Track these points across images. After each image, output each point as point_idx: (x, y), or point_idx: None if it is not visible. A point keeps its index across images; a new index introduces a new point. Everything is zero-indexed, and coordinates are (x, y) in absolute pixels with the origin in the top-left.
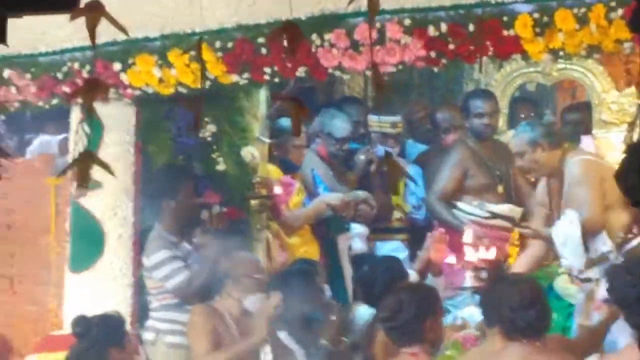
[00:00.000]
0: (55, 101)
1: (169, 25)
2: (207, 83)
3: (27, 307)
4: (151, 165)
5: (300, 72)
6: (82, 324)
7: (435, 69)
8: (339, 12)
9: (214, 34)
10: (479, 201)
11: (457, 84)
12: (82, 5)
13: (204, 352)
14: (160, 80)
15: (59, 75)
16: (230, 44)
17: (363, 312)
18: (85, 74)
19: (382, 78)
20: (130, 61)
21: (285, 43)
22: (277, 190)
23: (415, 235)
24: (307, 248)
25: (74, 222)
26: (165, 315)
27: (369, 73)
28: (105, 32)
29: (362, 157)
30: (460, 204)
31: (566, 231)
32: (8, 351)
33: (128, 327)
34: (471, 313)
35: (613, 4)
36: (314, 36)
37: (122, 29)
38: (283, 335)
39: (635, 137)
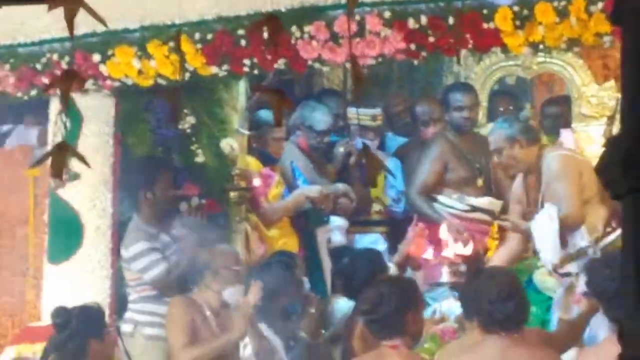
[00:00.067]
0: (34, 92)
1: (148, 17)
2: (187, 75)
3: (5, 298)
4: (130, 156)
5: (280, 64)
6: (62, 315)
7: (415, 62)
8: (318, 4)
9: (193, 26)
10: (459, 194)
11: (436, 77)
12: None
13: (181, 345)
14: (140, 72)
15: (38, 66)
16: (209, 36)
17: (342, 304)
18: (64, 65)
19: (361, 71)
20: (109, 52)
21: (265, 35)
22: (256, 182)
23: (394, 228)
24: (286, 240)
25: (53, 213)
26: (144, 307)
27: (348, 65)
28: (85, 23)
29: (341, 149)
30: (440, 198)
31: (544, 226)
32: None
33: (107, 318)
34: (450, 306)
35: None
36: (294, 28)
37: (100, 20)
38: (264, 327)
39: (614, 131)
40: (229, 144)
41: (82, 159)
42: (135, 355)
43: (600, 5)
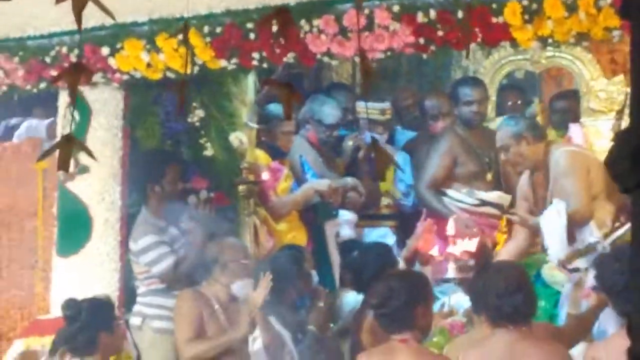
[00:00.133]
0: (43, 85)
1: (157, 10)
2: (195, 68)
3: (14, 291)
4: (139, 150)
5: (289, 57)
6: (72, 307)
7: (424, 56)
8: None
9: (202, 19)
10: (468, 189)
11: (445, 71)
12: None
13: (186, 339)
14: (149, 65)
15: (47, 59)
16: (218, 29)
17: (350, 298)
18: (73, 58)
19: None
20: (118, 46)
21: (275, 29)
22: (265, 176)
23: (403, 222)
24: (294, 234)
25: (62, 206)
26: (152, 300)
27: (357, 59)
28: (94, 17)
29: (350, 143)
30: (449, 192)
31: (553, 221)
32: None
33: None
34: (458, 300)
35: None
36: (303, 22)
37: (109, 13)
38: (272, 320)
39: (623, 125)
40: (237, 138)
41: (88, 152)
42: (143, 348)
43: None
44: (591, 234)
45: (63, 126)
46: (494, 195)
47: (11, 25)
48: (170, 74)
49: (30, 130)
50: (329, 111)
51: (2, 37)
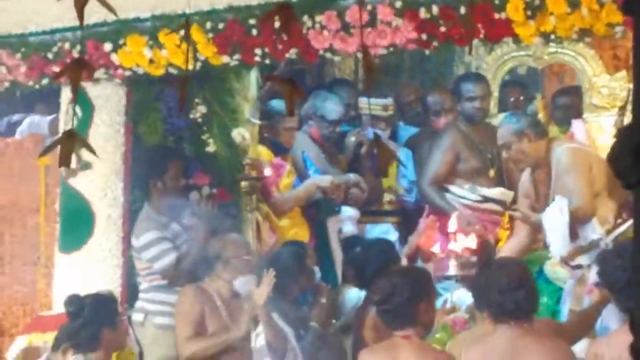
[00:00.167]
0: (45, 81)
1: (159, 6)
2: (198, 64)
3: (16, 287)
4: (141, 146)
5: (291, 53)
6: (75, 303)
7: (427, 52)
8: None
9: (205, 15)
10: (471, 185)
11: (448, 67)
12: None
13: (185, 337)
14: (151, 61)
15: (50, 56)
16: (221, 25)
17: (352, 294)
18: (75, 54)
19: (373, 60)
20: (120, 42)
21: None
22: (268, 172)
23: (405, 218)
24: (297, 230)
25: (64, 202)
26: (155, 296)
27: (359, 55)
28: (96, 13)
29: (352, 139)
30: (452, 188)
31: (555, 218)
32: None
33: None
34: (461, 296)
35: None
36: (305, 18)
37: (111, 9)
38: (276, 316)
39: (626, 122)
40: (240, 134)
41: (90, 149)
42: (145, 344)
43: None
44: (593, 231)
45: (65, 122)
46: (497, 192)
47: (13, 22)
48: (172, 70)
49: (33, 127)
50: (332, 107)
51: (5, 34)
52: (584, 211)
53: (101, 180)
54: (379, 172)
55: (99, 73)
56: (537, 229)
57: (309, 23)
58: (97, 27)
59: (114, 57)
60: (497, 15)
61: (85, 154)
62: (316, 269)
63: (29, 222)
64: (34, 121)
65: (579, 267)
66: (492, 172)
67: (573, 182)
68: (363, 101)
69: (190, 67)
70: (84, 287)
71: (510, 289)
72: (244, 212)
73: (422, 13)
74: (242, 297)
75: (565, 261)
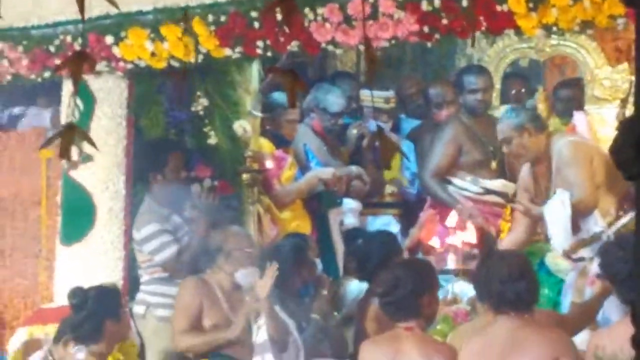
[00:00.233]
0: (47, 74)
1: None
2: (200, 57)
3: (17, 280)
4: (143, 138)
5: (293, 46)
6: (79, 295)
7: (428, 44)
8: None
9: (206, 8)
10: (473, 177)
11: (450, 60)
12: None
13: (180, 330)
14: (153, 54)
15: (51, 48)
16: (223, 18)
17: (354, 286)
18: (77, 47)
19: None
20: (122, 34)
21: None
22: (269, 164)
23: (407, 210)
24: (298, 222)
25: (65, 195)
26: (156, 288)
27: (361, 48)
28: (98, 6)
29: (354, 131)
30: (454, 180)
31: (557, 211)
32: (0, 324)
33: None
34: (463, 288)
35: None
36: (307, 10)
37: (113, 2)
38: (277, 308)
39: (627, 114)
40: (241, 126)
41: (90, 141)
42: (146, 337)
43: None
44: (595, 224)
45: (67, 115)
46: (498, 184)
47: (15, 15)
48: (174, 63)
49: (35, 120)
50: (334, 100)
51: (6, 27)
52: (586, 204)
53: (103, 173)
54: (382, 165)
55: (101, 66)
56: (536, 223)
57: (311, 15)
58: (99, 20)
59: (116, 50)
60: (499, 8)
61: (86, 147)
62: (317, 261)
63: (31, 215)
64: (35, 114)
65: (581, 259)
66: (494, 165)
67: (574, 175)
68: (365, 94)
69: (192, 59)
70: (86, 280)
71: (510, 280)
72: (246, 204)
73: (424, 5)
74: (243, 289)
75: (567, 254)
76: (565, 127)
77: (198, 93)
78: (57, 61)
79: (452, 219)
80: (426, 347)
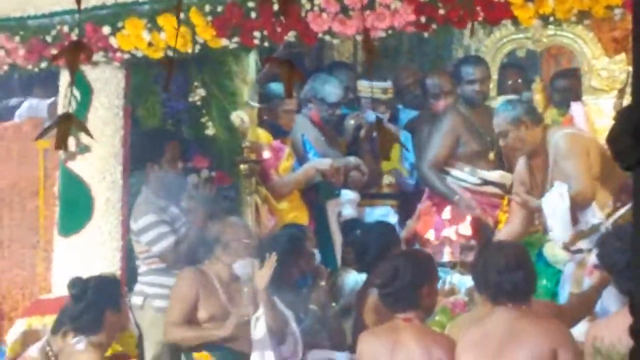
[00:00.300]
0: (44, 64)
1: None
2: (197, 47)
3: (15, 271)
4: (140, 129)
5: (290, 36)
6: (79, 285)
7: (425, 35)
8: None
9: None
10: (470, 168)
11: (446, 50)
12: None
13: (172, 322)
14: (150, 44)
15: (48, 39)
16: (220, 8)
17: (352, 277)
18: (74, 38)
19: (373, 44)
20: (119, 25)
21: (276, 7)
22: (267, 155)
23: (405, 201)
24: (296, 213)
25: (63, 185)
26: (154, 279)
27: (358, 38)
28: None
29: (351, 122)
30: (451, 171)
31: (555, 203)
32: None
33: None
34: (461, 279)
35: None
36: (304, 0)
37: None
38: (276, 299)
39: (625, 104)
40: (239, 117)
41: (87, 132)
42: (144, 328)
43: None
44: (594, 216)
45: (64, 105)
46: (496, 175)
47: (12, 5)
48: (171, 53)
49: (32, 110)
50: (331, 90)
51: (3, 17)
52: (584, 196)
53: (100, 164)
54: (382, 155)
55: (98, 56)
56: (532, 216)
57: (308, 5)
58: (95, 10)
59: (113, 40)
60: None
61: (84, 137)
62: (315, 252)
63: (28, 206)
64: (32, 104)
65: (579, 251)
66: (491, 155)
67: (572, 168)
68: (363, 84)
69: (189, 50)
70: (84, 271)
71: (507, 270)
72: (243, 195)
73: None
74: (241, 280)
75: (566, 246)
76: (563, 117)
77: (195, 83)
78: (54, 51)
79: (448, 211)
80: (424, 338)
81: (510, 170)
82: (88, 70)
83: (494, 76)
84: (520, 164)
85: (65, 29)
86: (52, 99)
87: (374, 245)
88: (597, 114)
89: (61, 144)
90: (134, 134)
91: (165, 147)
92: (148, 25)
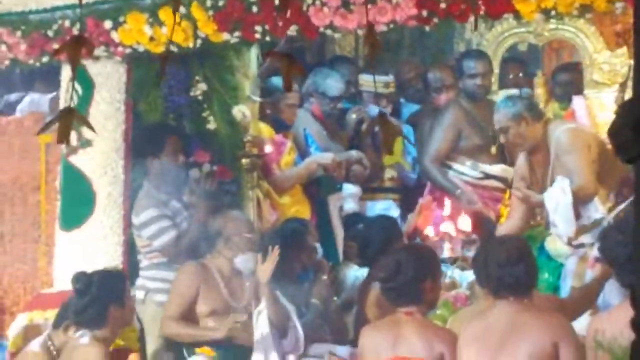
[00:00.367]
0: (45, 59)
1: None
2: (198, 42)
3: (17, 265)
4: (142, 123)
5: (292, 30)
6: (83, 280)
7: (427, 28)
8: None
9: None
10: (472, 162)
11: (448, 44)
12: None
13: (169, 316)
14: (151, 39)
15: (50, 33)
16: (221, 2)
17: (353, 271)
18: (76, 32)
19: (376, 37)
20: (121, 19)
21: (277, 2)
22: (268, 149)
23: (407, 195)
24: (298, 208)
25: (64, 180)
26: (155, 274)
27: (360, 32)
28: None
29: (353, 116)
30: (453, 165)
31: (557, 199)
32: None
33: None
34: (462, 273)
35: None
36: None
37: None
38: (278, 293)
39: (626, 98)
40: (240, 111)
41: (89, 125)
42: (146, 322)
43: None
44: (596, 210)
45: (66, 100)
46: (498, 169)
47: (13, 0)
48: (173, 48)
49: (33, 105)
50: (333, 84)
51: (5, 11)
52: (586, 191)
53: (102, 158)
54: (385, 150)
55: (99, 51)
56: (532, 210)
57: (309, 0)
58: (97, 4)
59: (114, 35)
60: None
61: (85, 132)
62: (317, 246)
63: (30, 200)
64: (34, 99)
65: (581, 245)
66: (493, 149)
67: (573, 162)
68: (364, 78)
69: (191, 44)
70: (85, 265)
71: (509, 264)
72: (245, 189)
73: None
74: (243, 274)
75: (570, 241)
76: (564, 111)
77: (197, 78)
78: (56, 46)
79: (448, 207)
80: (426, 332)
81: (512, 164)
82: (89, 65)
83: (496, 70)
84: (521, 159)
85: (67, 23)
86: (54, 93)
87: (376, 240)
88: (598, 107)
89: (63, 138)
90: (136, 128)
91: (166, 141)
92: (149, 20)
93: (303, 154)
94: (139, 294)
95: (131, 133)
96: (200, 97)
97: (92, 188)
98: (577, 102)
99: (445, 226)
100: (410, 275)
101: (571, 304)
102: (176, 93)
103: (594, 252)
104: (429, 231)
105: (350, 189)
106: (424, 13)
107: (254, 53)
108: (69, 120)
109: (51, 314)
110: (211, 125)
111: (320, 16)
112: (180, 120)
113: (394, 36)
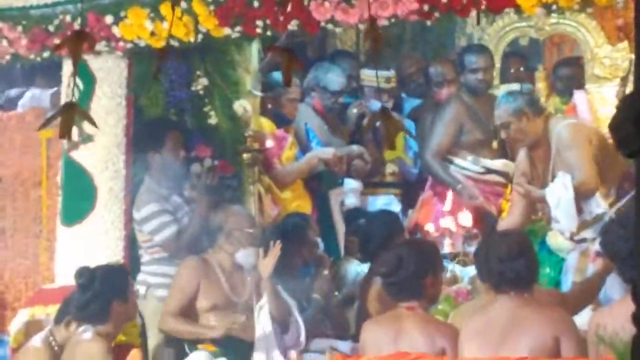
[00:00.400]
0: (46, 54)
1: None
2: (199, 36)
3: (18, 260)
4: (143, 118)
5: (293, 25)
6: (86, 275)
7: (428, 23)
8: None
9: None
10: (474, 156)
11: (449, 38)
12: None
13: (168, 310)
14: (152, 34)
15: (51, 28)
16: None
17: (354, 266)
18: (77, 27)
19: (379, 32)
20: (122, 14)
21: None
22: (270, 143)
23: (408, 189)
24: (299, 202)
25: (66, 175)
26: (156, 269)
27: (361, 27)
28: None
29: (354, 111)
30: (455, 160)
31: (559, 194)
32: (1, 305)
33: None
34: (462, 270)
35: None
36: None
37: None
38: (279, 288)
39: (628, 92)
40: (242, 106)
41: (90, 120)
42: (147, 317)
43: None
44: (598, 205)
45: (67, 95)
46: (500, 163)
47: None
48: (174, 43)
49: (34, 100)
50: (334, 78)
51: (6, 6)
52: (587, 186)
53: (103, 153)
54: (387, 144)
55: (101, 46)
56: (533, 206)
57: None
58: None
59: (115, 30)
60: None
61: (87, 127)
62: (318, 241)
63: (31, 195)
64: (35, 94)
65: (583, 240)
66: (495, 144)
67: (575, 157)
68: (366, 73)
69: (192, 39)
70: (87, 260)
71: (510, 258)
72: (246, 184)
73: None
74: (244, 269)
75: (572, 236)
76: (566, 106)
77: (198, 73)
78: (57, 41)
79: (448, 203)
80: (428, 327)
81: (513, 158)
82: (91, 60)
83: (497, 65)
84: (521, 155)
85: (68, 18)
86: (55, 88)
87: (377, 234)
88: (600, 102)
89: (65, 133)
90: (137, 123)
91: (167, 136)
92: (151, 15)
93: (304, 148)
94: (140, 289)
95: (132, 128)
96: (201, 92)
97: (93, 183)
98: (578, 96)
99: (446, 221)
100: (411, 270)
101: (572, 298)
102: (177, 88)
103: (596, 246)
104: (429, 227)
105: (351, 183)
106: (426, 7)
107: (255, 48)
108: (71, 115)
109: (53, 310)
110: (212, 120)
111: (321, 10)
112: (182, 115)
113: (395, 31)
